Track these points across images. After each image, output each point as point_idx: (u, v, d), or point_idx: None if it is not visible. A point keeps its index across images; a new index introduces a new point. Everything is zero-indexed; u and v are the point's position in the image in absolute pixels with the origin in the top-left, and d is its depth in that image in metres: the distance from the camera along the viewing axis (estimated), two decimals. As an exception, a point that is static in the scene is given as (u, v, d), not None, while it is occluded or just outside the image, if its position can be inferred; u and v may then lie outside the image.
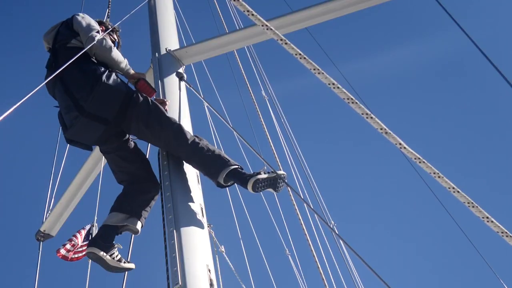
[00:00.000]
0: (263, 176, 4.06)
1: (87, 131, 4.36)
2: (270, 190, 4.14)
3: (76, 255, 5.67)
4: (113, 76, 4.38)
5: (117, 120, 4.33)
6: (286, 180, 4.18)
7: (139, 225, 4.42)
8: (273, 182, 4.11)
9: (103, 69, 4.39)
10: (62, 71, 4.06)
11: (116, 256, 4.36)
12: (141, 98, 4.38)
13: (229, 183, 4.18)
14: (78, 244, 5.61)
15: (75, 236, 5.66)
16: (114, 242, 4.37)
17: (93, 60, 4.50)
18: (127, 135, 4.55)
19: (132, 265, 4.46)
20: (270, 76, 8.67)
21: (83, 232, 5.70)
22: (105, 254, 4.27)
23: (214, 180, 4.18)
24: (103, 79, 4.28)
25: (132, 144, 4.57)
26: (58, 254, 5.67)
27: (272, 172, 4.13)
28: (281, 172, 4.19)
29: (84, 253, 5.67)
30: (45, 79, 4.54)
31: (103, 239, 4.31)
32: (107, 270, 4.35)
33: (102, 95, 4.26)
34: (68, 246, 5.64)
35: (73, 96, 4.32)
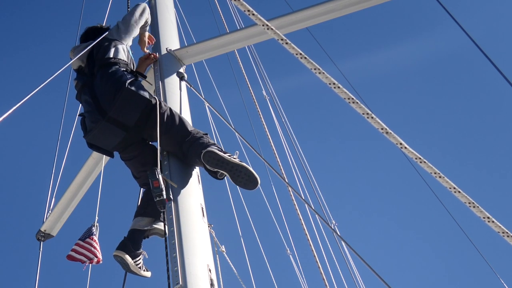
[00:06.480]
0: (224, 154, 4.11)
1: (106, 135, 4.41)
2: (227, 174, 4.16)
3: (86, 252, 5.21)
4: (138, 83, 4.44)
5: (137, 128, 4.37)
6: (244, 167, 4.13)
7: None
8: (232, 168, 4.12)
9: (129, 76, 4.44)
10: (93, 79, 4.45)
11: (139, 263, 4.39)
12: (164, 108, 4.40)
13: (209, 165, 4.17)
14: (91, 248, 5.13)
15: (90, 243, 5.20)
16: (141, 248, 4.41)
17: (121, 67, 4.56)
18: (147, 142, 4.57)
19: (148, 274, 4.50)
20: (271, 75, 8.66)
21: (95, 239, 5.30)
22: (131, 260, 4.31)
23: (198, 160, 4.20)
24: (126, 85, 4.33)
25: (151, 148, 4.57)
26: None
27: (243, 164, 4.13)
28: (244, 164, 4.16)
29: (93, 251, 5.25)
30: (76, 80, 4.77)
31: (133, 245, 4.34)
32: (125, 270, 4.40)
33: (124, 101, 4.31)
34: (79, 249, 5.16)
35: (97, 100, 4.40)
